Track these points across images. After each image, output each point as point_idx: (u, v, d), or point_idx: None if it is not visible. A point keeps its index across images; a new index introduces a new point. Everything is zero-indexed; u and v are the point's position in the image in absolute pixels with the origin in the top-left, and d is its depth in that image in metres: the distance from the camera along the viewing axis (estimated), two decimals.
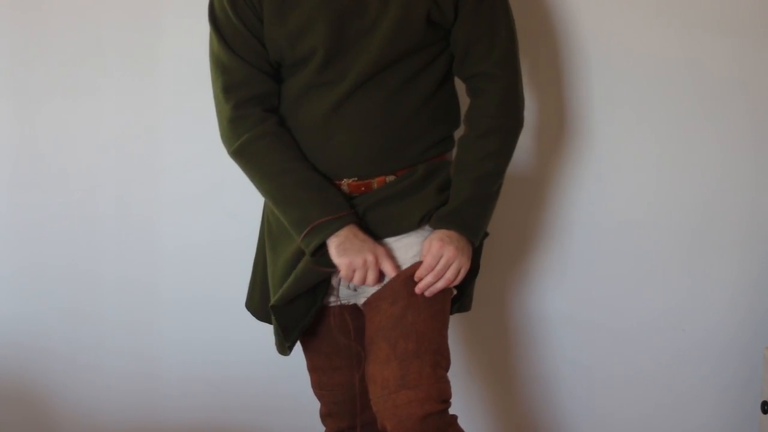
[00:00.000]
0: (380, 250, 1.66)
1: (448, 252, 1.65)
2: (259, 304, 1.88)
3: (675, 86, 2.11)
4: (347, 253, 1.64)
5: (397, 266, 1.67)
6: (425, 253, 1.66)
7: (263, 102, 1.72)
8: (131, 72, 2.15)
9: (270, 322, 1.87)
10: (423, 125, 1.72)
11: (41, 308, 2.26)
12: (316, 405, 1.93)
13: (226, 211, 2.18)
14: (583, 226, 2.19)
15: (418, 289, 1.65)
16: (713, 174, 2.16)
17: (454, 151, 1.80)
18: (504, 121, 1.73)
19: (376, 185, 1.71)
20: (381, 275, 1.68)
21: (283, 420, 2.29)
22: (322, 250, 1.68)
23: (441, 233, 1.67)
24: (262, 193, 1.76)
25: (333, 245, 1.65)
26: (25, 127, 2.18)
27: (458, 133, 1.80)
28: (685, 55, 2.10)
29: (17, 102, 2.17)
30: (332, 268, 1.69)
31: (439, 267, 1.65)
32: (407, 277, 1.66)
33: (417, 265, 1.67)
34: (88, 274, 2.24)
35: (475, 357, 2.27)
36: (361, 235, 1.66)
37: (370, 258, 1.64)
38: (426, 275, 1.65)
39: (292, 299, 1.72)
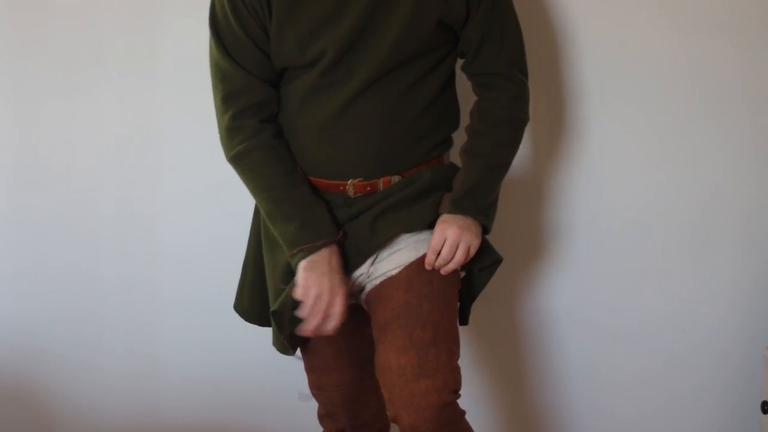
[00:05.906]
0: (338, 289, 1.64)
1: (452, 232, 1.67)
2: (248, 306, 1.88)
3: (675, 86, 2.11)
4: (311, 272, 1.64)
5: (344, 312, 1.65)
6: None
7: (261, 111, 1.70)
8: (131, 72, 2.15)
9: (259, 324, 1.88)
10: (428, 126, 1.72)
11: (41, 308, 2.26)
12: (315, 405, 1.93)
13: (226, 211, 2.18)
14: (583, 227, 2.19)
15: (428, 265, 1.67)
16: (713, 174, 2.16)
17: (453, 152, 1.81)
18: (516, 113, 1.77)
19: (381, 185, 1.71)
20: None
21: (282, 420, 2.29)
22: None
23: (444, 216, 1.70)
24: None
25: (303, 264, 1.66)
26: (25, 127, 2.18)
27: (461, 131, 1.82)
28: (686, 55, 2.10)
29: (18, 102, 2.17)
30: None
31: (445, 249, 1.67)
32: (420, 266, 1.68)
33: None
34: (88, 274, 2.24)
35: (476, 354, 2.27)
36: (333, 263, 1.65)
37: (324, 292, 1.63)
38: (432, 257, 1.67)
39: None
